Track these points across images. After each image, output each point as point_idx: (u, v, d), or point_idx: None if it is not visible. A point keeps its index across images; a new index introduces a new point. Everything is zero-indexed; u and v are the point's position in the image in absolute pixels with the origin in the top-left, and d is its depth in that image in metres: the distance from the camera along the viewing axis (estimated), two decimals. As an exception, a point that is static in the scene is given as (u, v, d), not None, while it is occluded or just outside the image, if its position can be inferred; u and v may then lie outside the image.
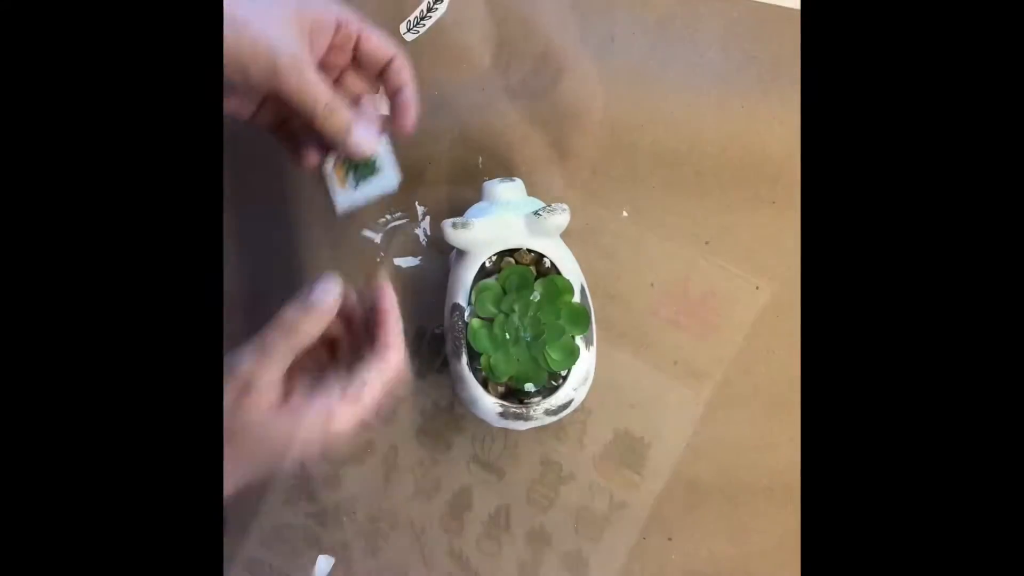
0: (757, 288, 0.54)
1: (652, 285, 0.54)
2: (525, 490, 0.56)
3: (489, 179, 0.49)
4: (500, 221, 0.45)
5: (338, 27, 0.42)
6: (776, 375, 0.54)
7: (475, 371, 0.46)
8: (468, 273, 0.46)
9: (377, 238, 0.56)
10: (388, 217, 0.56)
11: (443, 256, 0.56)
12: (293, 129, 0.46)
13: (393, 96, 0.45)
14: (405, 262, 0.56)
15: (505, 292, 0.45)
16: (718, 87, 0.52)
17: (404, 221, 0.56)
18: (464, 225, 0.44)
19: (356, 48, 0.44)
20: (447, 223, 0.44)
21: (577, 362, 0.45)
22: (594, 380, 0.51)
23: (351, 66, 0.46)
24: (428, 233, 0.55)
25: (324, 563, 0.58)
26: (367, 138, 0.43)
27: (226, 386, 0.38)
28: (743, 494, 0.54)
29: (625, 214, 0.54)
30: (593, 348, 0.47)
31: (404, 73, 0.45)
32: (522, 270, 0.45)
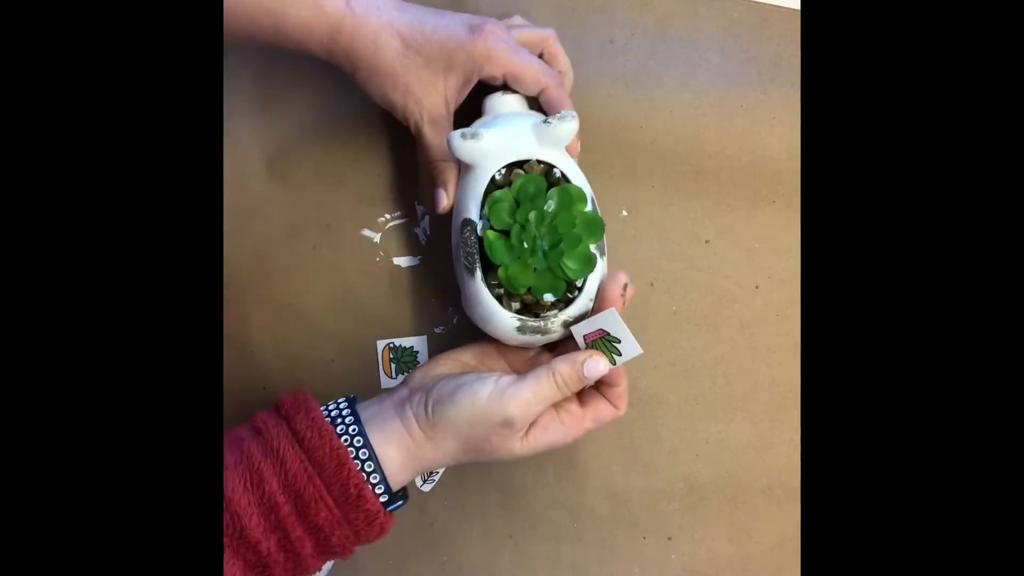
0: (757, 288, 0.54)
1: (652, 285, 0.54)
2: (525, 490, 0.56)
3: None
4: (510, 131, 0.44)
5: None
6: (776, 375, 0.54)
7: (490, 287, 0.45)
8: (479, 186, 0.45)
9: (377, 238, 0.56)
10: (388, 217, 0.56)
11: (444, 257, 0.56)
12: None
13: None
14: (405, 262, 0.56)
15: (519, 203, 0.44)
16: (718, 87, 0.52)
17: (404, 221, 0.56)
18: (474, 135, 0.43)
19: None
20: (455, 134, 0.43)
21: (593, 271, 0.44)
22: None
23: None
24: (428, 233, 0.55)
25: None
26: (445, 200, 0.48)
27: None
28: (743, 494, 0.54)
29: (625, 214, 0.54)
30: (605, 259, 0.46)
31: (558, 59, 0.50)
32: (537, 179, 0.44)
